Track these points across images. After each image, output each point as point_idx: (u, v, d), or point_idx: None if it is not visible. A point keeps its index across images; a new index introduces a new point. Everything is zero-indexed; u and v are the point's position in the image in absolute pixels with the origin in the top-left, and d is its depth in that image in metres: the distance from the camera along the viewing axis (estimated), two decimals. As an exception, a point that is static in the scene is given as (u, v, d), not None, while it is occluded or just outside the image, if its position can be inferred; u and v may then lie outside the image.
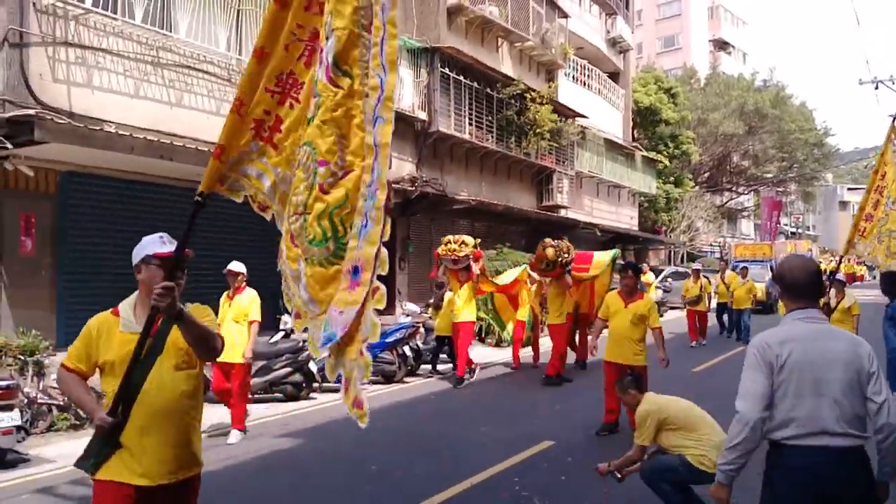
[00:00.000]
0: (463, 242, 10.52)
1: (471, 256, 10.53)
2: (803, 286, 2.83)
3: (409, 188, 15.08)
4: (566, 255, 10.65)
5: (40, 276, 9.58)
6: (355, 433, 7.41)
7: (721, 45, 59.51)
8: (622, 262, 10.35)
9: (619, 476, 4.51)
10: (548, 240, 10.74)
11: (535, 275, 11.64)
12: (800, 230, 62.01)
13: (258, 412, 8.48)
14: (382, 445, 6.92)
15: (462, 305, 10.51)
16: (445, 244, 10.64)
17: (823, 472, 2.62)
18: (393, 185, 14.06)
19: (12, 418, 6.33)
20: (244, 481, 5.95)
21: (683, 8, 56.50)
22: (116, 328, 2.88)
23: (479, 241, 10.92)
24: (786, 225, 55.47)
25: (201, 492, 3.02)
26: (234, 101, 2.55)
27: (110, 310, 2.98)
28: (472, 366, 10.96)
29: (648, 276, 18.52)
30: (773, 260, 25.77)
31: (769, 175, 43.60)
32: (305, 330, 2.44)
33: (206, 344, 2.84)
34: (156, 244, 2.92)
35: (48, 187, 9.71)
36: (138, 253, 2.93)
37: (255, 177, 2.61)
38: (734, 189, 46.46)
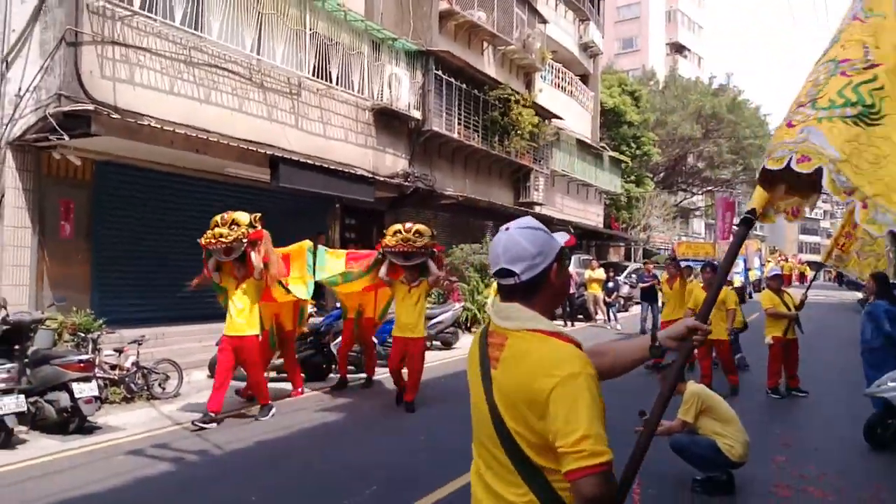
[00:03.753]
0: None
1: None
2: None
3: (404, 183, 15.95)
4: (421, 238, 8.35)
5: (77, 259, 10.20)
6: (376, 410, 8.33)
7: (678, 48, 61.64)
8: (704, 261, 11.05)
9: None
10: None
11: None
12: (750, 231, 64.52)
13: (283, 390, 9.28)
14: (417, 420, 7.85)
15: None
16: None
17: None
18: (388, 180, 14.90)
19: (91, 389, 7.02)
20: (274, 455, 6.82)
21: (642, 11, 58.40)
22: None
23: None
24: (737, 225, 57.65)
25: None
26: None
27: (557, 335, 1.77)
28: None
29: (599, 272, 19.16)
30: (715, 260, 26.71)
31: (725, 177, 45.48)
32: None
33: None
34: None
35: (85, 176, 10.31)
36: (552, 246, 1.85)
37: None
38: (688, 189, 48.45)
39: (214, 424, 7.31)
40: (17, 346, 7.06)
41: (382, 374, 9.86)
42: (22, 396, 6.46)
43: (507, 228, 1.86)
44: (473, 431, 1.91)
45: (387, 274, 8.41)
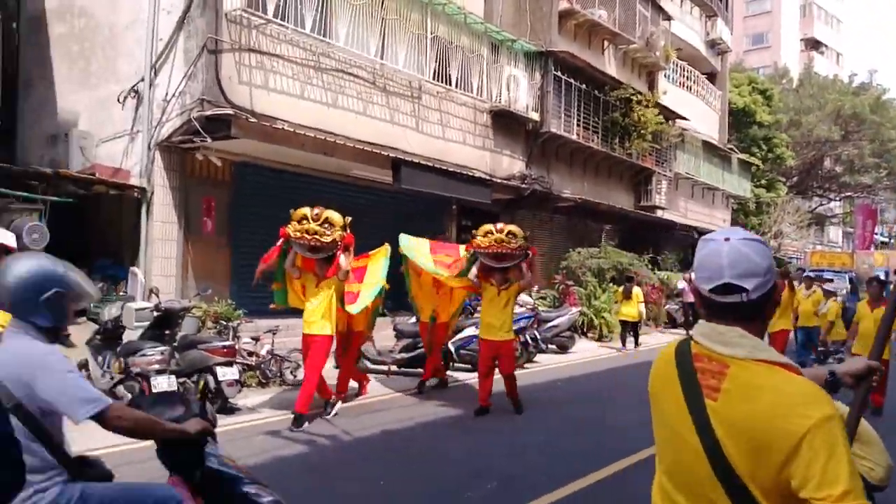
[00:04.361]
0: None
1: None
2: None
3: (521, 185, 15.93)
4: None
5: (217, 252, 10.93)
6: (495, 409, 8.28)
7: (813, 44, 57.92)
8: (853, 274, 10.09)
9: None
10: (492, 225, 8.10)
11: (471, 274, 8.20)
12: (893, 240, 59.62)
13: (403, 384, 9.50)
14: (532, 421, 7.79)
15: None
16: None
17: None
18: (505, 182, 14.93)
19: (233, 373, 7.47)
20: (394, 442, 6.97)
21: (774, 5, 55.34)
22: None
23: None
24: (877, 234, 53.64)
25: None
26: None
27: (789, 367, 1.64)
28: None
29: None
30: (853, 271, 24.77)
31: (866, 182, 42.27)
32: None
33: None
34: None
35: (224, 175, 11.02)
36: (774, 262, 1.73)
37: None
38: (824, 195, 45.37)
39: (339, 405, 7.67)
40: (167, 332, 7.69)
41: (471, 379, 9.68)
42: (173, 377, 6.98)
43: (726, 239, 1.65)
44: (664, 456, 1.76)
45: (476, 276, 8.04)
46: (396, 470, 5.83)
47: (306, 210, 7.13)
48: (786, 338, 11.08)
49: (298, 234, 7.02)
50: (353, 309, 7.64)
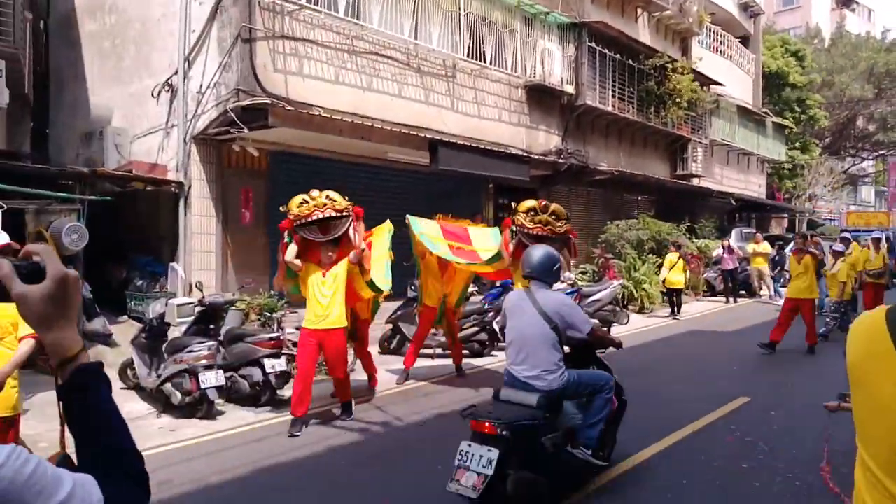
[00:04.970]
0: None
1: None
2: None
3: (557, 160, 15.63)
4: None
5: (256, 243, 10.85)
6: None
7: (845, 1, 56.08)
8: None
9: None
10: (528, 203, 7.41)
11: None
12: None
13: (449, 368, 9.37)
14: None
15: None
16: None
17: None
18: (542, 158, 14.61)
19: (280, 364, 7.41)
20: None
21: (804, -37, 53.62)
22: None
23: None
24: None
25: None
26: None
27: None
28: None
29: (763, 246, 17.95)
30: (891, 229, 24.11)
31: (900, 140, 41.12)
32: None
33: None
34: None
35: (261, 165, 10.92)
36: None
37: None
38: (857, 154, 44.28)
39: (303, 428, 6.50)
40: (212, 326, 7.64)
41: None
42: (221, 371, 6.94)
43: None
44: (878, 441, 1.49)
45: (512, 254, 7.27)
46: (453, 453, 5.72)
47: (302, 195, 6.65)
48: (813, 307, 10.64)
49: (307, 211, 6.51)
50: (384, 287, 7.28)
